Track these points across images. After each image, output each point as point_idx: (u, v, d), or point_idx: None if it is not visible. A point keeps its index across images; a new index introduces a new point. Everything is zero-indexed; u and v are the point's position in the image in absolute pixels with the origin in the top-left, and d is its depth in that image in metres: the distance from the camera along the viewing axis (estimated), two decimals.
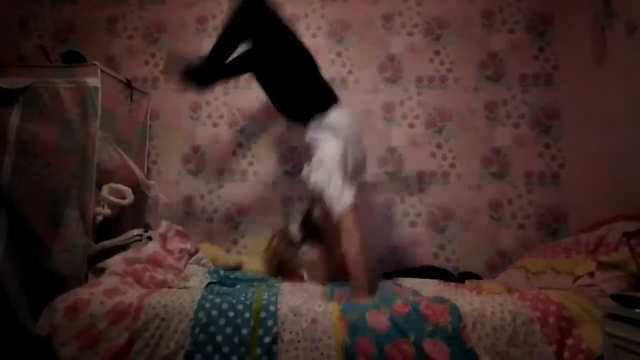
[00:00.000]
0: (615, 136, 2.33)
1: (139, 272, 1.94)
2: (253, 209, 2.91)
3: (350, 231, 1.95)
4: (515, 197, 2.81)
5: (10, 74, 2.38)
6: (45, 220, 2.21)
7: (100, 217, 2.31)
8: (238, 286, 2.04)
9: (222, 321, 1.60)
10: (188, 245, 2.24)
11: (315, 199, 2.20)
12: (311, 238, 2.43)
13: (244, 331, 1.58)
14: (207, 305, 1.64)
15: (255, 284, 2.10)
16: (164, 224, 2.31)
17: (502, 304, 1.61)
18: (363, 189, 2.19)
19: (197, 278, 2.04)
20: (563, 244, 2.05)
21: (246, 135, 2.98)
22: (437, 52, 2.97)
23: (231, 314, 1.61)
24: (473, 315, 1.57)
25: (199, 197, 2.94)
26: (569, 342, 1.53)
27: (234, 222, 2.91)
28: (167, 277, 1.97)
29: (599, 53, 2.44)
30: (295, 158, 2.94)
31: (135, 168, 2.57)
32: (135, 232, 2.35)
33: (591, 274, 1.70)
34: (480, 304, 1.62)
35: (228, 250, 2.85)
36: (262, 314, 1.61)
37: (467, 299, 1.68)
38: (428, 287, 2.11)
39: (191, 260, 2.22)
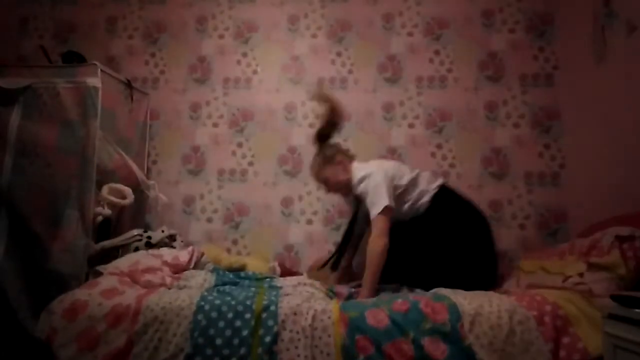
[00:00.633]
0: (615, 136, 2.33)
1: (137, 274, 1.94)
2: (253, 209, 2.91)
3: (381, 232, 2.05)
4: (515, 197, 2.81)
5: (10, 74, 2.38)
6: (45, 220, 2.21)
7: (100, 217, 2.31)
8: (240, 282, 2.04)
9: (221, 323, 1.59)
10: (187, 257, 2.24)
11: (360, 205, 2.28)
12: (351, 246, 2.47)
13: (244, 332, 1.58)
14: (207, 307, 1.63)
15: (256, 283, 2.10)
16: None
17: (499, 303, 1.63)
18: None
19: (199, 278, 2.03)
20: (559, 248, 2.08)
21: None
22: (437, 52, 2.97)
23: (230, 315, 1.61)
24: (471, 314, 1.59)
25: (199, 197, 2.94)
26: (565, 340, 1.54)
27: (234, 222, 2.91)
28: (166, 281, 1.97)
29: (599, 53, 2.44)
30: (295, 158, 2.94)
31: (135, 168, 2.57)
32: (135, 232, 2.36)
33: (581, 275, 1.73)
34: (478, 303, 1.63)
35: (228, 250, 2.85)
36: (263, 315, 1.62)
37: (465, 297, 1.69)
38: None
39: (192, 266, 2.23)
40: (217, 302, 1.66)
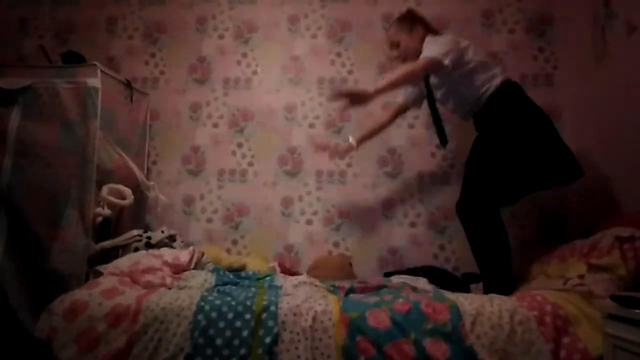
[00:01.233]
0: (615, 136, 2.33)
1: (137, 274, 1.94)
2: (253, 209, 2.91)
3: (417, 64, 2.13)
4: None
5: (10, 74, 2.37)
6: (45, 221, 2.21)
7: (100, 218, 2.31)
8: (240, 282, 2.04)
9: (221, 324, 1.59)
10: (187, 258, 2.24)
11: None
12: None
13: (245, 333, 1.58)
14: (207, 307, 1.63)
15: (257, 283, 2.09)
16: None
17: (500, 303, 1.63)
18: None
19: (199, 278, 2.03)
20: (559, 250, 2.07)
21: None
22: None
23: (230, 315, 1.61)
24: (472, 314, 1.58)
25: (199, 197, 2.94)
26: (566, 340, 1.54)
27: (234, 222, 2.91)
28: (166, 281, 1.97)
29: (599, 53, 2.44)
30: (295, 158, 2.94)
31: (135, 168, 2.57)
32: (135, 232, 2.35)
33: (581, 276, 1.73)
34: (479, 303, 1.63)
35: (228, 251, 2.85)
36: (264, 315, 1.61)
37: (466, 298, 1.69)
38: (420, 285, 2.12)
39: (192, 266, 2.23)
40: (217, 302, 1.66)
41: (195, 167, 2.97)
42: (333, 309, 1.63)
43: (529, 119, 2.13)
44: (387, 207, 2.86)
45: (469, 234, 2.12)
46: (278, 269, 2.51)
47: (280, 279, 2.10)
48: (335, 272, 2.49)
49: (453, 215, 2.80)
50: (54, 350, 1.58)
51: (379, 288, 2.02)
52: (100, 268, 2.01)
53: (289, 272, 2.51)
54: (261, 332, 1.58)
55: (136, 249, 2.27)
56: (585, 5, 2.57)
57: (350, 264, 2.66)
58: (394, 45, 2.41)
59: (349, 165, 2.91)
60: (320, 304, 1.65)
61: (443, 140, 2.48)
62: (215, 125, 3.01)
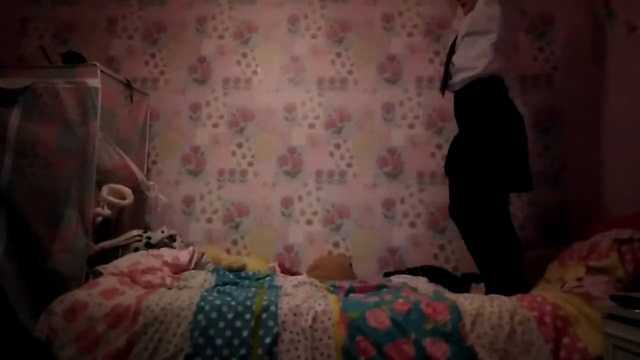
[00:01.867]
0: (615, 136, 2.33)
1: (136, 274, 1.94)
2: (253, 209, 2.91)
3: None
4: (515, 197, 2.81)
5: (10, 74, 2.38)
6: (45, 221, 2.21)
7: (100, 218, 2.31)
8: (240, 282, 2.04)
9: (221, 324, 1.59)
10: (187, 258, 2.24)
11: None
12: None
13: (244, 333, 1.58)
14: (207, 307, 1.63)
15: (256, 283, 2.09)
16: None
17: (500, 303, 1.63)
18: None
19: (199, 279, 2.03)
20: (560, 253, 2.08)
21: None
22: (437, 53, 2.97)
23: (230, 315, 1.61)
24: (472, 314, 1.58)
25: (199, 197, 2.94)
26: (565, 340, 1.54)
27: (234, 222, 2.91)
28: (166, 281, 1.97)
29: (599, 53, 2.44)
30: (295, 158, 2.94)
31: (135, 168, 2.56)
32: (135, 232, 2.35)
33: (580, 279, 1.74)
34: (479, 303, 1.63)
35: (228, 251, 2.85)
36: (263, 315, 1.61)
37: (466, 298, 1.69)
38: (420, 285, 2.13)
39: (192, 266, 2.23)
40: (217, 302, 1.66)
41: (195, 167, 2.97)
42: (333, 309, 1.63)
43: (506, 122, 2.08)
44: (387, 207, 2.86)
45: (470, 236, 2.11)
46: (278, 269, 2.51)
47: (280, 279, 2.10)
48: (335, 272, 2.49)
49: None
50: (54, 351, 1.58)
51: (379, 288, 2.02)
52: (100, 268, 2.01)
53: (289, 272, 2.51)
54: (261, 332, 1.58)
55: (136, 249, 2.27)
56: (585, 5, 2.57)
57: (350, 264, 2.66)
58: None
59: (349, 165, 2.91)
60: (320, 304, 1.65)
61: (442, 89, 2.36)
62: (215, 125, 3.00)
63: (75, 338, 1.59)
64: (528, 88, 2.89)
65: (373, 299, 1.74)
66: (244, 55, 3.05)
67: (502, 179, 2.02)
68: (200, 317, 1.60)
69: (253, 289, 1.86)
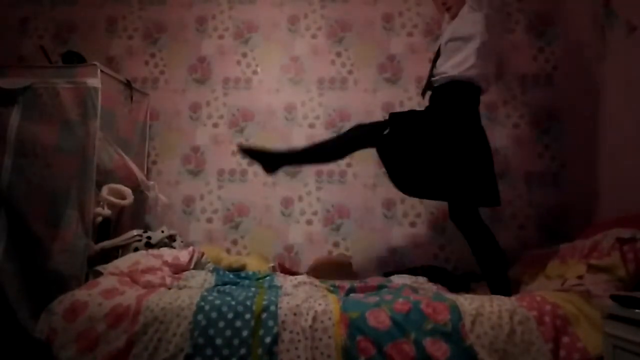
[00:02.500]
0: (615, 136, 2.33)
1: (137, 274, 1.94)
2: (253, 209, 2.91)
3: None
4: (516, 197, 2.81)
5: (10, 74, 2.37)
6: (45, 221, 2.21)
7: (100, 218, 2.31)
8: (240, 282, 2.04)
9: (221, 324, 1.59)
10: (187, 258, 2.24)
11: None
12: None
13: (245, 333, 1.58)
14: (207, 307, 1.63)
15: (257, 283, 2.10)
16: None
17: (500, 303, 1.63)
18: None
19: (199, 279, 2.03)
20: (561, 251, 2.07)
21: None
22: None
23: (230, 315, 1.61)
24: (472, 314, 1.58)
25: (199, 197, 2.94)
26: (565, 340, 1.54)
27: (234, 222, 2.91)
28: (166, 281, 1.97)
29: (599, 53, 2.44)
30: None
31: (135, 168, 2.57)
32: (135, 232, 2.36)
33: (580, 277, 1.73)
34: (479, 303, 1.63)
35: (228, 251, 2.85)
36: (263, 315, 1.61)
37: (466, 298, 1.69)
38: (420, 284, 2.13)
39: (192, 266, 2.23)
40: (217, 302, 1.66)
41: (195, 167, 2.97)
42: (333, 309, 1.63)
43: (471, 132, 2.08)
44: (387, 207, 2.86)
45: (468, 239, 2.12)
46: (278, 269, 2.51)
47: (280, 279, 2.10)
48: (335, 272, 2.49)
49: None
50: (54, 351, 1.58)
51: (379, 288, 2.02)
52: (100, 268, 2.01)
53: (289, 272, 2.51)
54: (261, 332, 1.58)
55: (136, 249, 2.28)
56: (585, 5, 2.57)
57: (350, 264, 2.66)
58: None
59: (349, 165, 2.91)
60: (320, 304, 1.65)
61: (423, 92, 2.36)
62: (215, 125, 3.01)
63: (75, 338, 1.59)
64: (528, 88, 2.89)
65: (373, 299, 1.74)
66: (244, 55, 3.06)
67: (465, 191, 2.04)
68: (200, 317, 1.60)
69: (253, 289, 1.86)
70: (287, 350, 1.55)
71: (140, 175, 2.60)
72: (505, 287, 1.95)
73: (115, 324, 1.60)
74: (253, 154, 2.20)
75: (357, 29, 3.02)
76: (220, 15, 3.09)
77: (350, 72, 2.99)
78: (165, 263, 2.12)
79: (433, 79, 2.20)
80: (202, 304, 1.65)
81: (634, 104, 2.17)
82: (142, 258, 2.09)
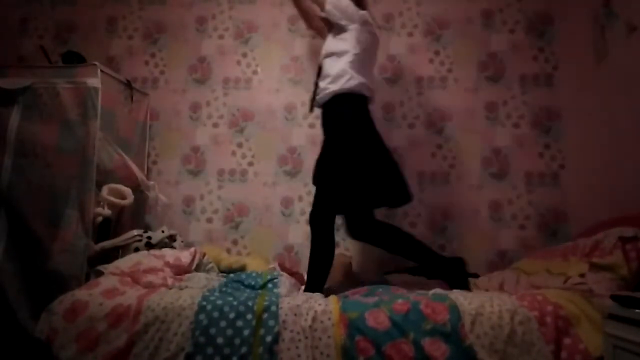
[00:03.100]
0: (615, 136, 2.33)
1: (138, 275, 1.94)
2: (253, 209, 2.91)
3: None
4: (515, 197, 2.81)
5: (10, 74, 2.38)
6: (45, 221, 2.21)
7: (100, 218, 2.31)
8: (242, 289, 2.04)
9: (223, 323, 1.59)
10: (189, 259, 2.24)
11: None
12: None
13: (246, 332, 1.58)
14: (209, 307, 1.63)
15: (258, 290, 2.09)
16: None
17: (500, 303, 1.62)
18: None
19: (201, 283, 2.03)
20: (562, 248, 2.07)
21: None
22: (437, 53, 2.97)
23: (232, 315, 1.61)
24: (472, 314, 1.58)
25: (199, 197, 2.94)
26: (567, 341, 1.53)
27: (234, 222, 2.91)
28: (167, 282, 1.96)
29: (599, 53, 2.44)
30: (295, 158, 2.94)
31: (135, 168, 2.57)
32: (135, 232, 2.36)
33: (582, 275, 1.72)
34: (479, 303, 1.62)
35: (228, 251, 2.85)
36: (264, 315, 1.62)
37: (466, 297, 1.68)
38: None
39: (193, 267, 2.23)
40: (219, 302, 1.66)
41: (195, 167, 2.97)
42: (333, 309, 1.63)
43: (359, 137, 2.17)
44: (387, 207, 2.86)
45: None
46: (278, 269, 2.51)
47: (282, 281, 2.09)
48: (335, 272, 2.48)
49: (453, 215, 2.82)
50: (54, 350, 1.58)
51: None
52: (102, 268, 2.01)
53: (289, 272, 2.50)
54: (262, 332, 1.58)
55: (136, 249, 2.28)
56: (585, 5, 2.57)
57: (351, 264, 2.66)
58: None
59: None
60: (320, 304, 1.65)
61: (310, 108, 2.48)
62: (215, 125, 3.01)
63: (75, 338, 1.59)
64: (528, 88, 2.90)
65: (372, 299, 1.74)
66: (244, 55, 3.06)
67: (349, 194, 2.13)
68: (202, 316, 1.61)
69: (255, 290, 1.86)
70: (288, 349, 1.55)
71: (140, 175, 2.60)
72: (320, 286, 2.07)
73: (116, 323, 1.60)
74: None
75: None
76: (220, 15, 3.09)
77: None
78: (167, 264, 2.11)
79: (318, 97, 2.31)
80: (204, 303, 1.65)
81: (634, 104, 2.17)
82: (144, 258, 2.09)
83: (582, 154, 2.65)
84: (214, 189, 2.94)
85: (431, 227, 2.83)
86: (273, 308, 1.63)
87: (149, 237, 2.35)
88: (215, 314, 1.61)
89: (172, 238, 2.47)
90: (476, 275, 2.49)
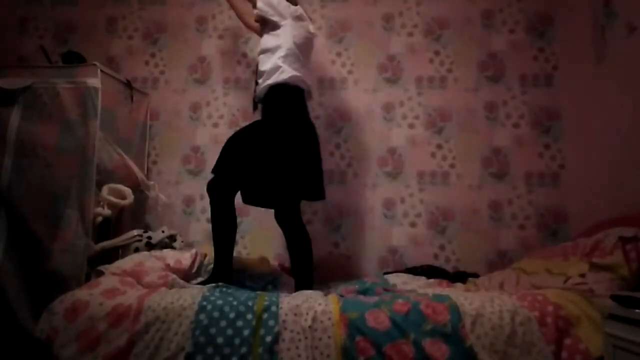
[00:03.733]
0: (615, 136, 2.33)
1: (139, 273, 1.94)
2: (253, 210, 2.91)
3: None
4: (515, 197, 2.81)
5: (10, 74, 2.38)
6: (45, 221, 2.21)
7: (100, 218, 2.31)
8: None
9: (223, 323, 1.59)
10: (189, 261, 2.24)
11: None
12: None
13: (246, 332, 1.58)
14: (209, 307, 1.63)
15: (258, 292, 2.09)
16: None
17: (500, 303, 1.62)
18: None
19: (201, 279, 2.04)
20: (562, 247, 2.07)
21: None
22: (437, 53, 2.97)
23: (232, 315, 1.61)
24: (472, 314, 1.57)
25: (199, 197, 2.94)
26: (567, 342, 1.53)
27: None
28: (168, 280, 1.96)
29: (599, 53, 2.44)
30: None
31: (135, 168, 2.57)
32: (135, 232, 2.36)
33: (583, 275, 1.73)
34: (479, 303, 1.62)
35: None
36: (265, 315, 1.62)
37: (466, 298, 1.68)
38: (418, 283, 2.15)
39: (194, 270, 2.23)
40: (220, 302, 1.66)
41: (195, 167, 2.97)
42: (333, 309, 1.62)
43: (292, 129, 2.20)
44: (387, 207, 2.87)
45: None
46: (278, 269, 2.51)
47: (282, 287, 2.10)
48: (335, 272, 2.49)
49: (453, 215, 2.82)
50: (55, 350, 1.58)
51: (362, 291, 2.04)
52: (102, 268, 2.01)
53: (289, 272, 2.51)
54: (262, 332, 1.58)
55: (136, 249, 2.27)
56: (585, 5, 2.57)
57: (351, 264, 2.66)
58: None
59: (349, 165, 2.91)
60: (320, 304, 1.65)
61: (253, 106, 2.53)
62: (215, 125, 3.01)
63: (75, 337, 1.58)
64: (528, 88, 2.90)
65: (372, 299, 1.74)
66: (244, 55, 3.05)
67: (282, 185, 2.17)
68: (202, 316, 1.61)
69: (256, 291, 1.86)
70: (288, 349, 1.55)
71: (140, 175, 2.60)
72: (308, 283, 2.11)
73: (117, 323, 1.60)
74: None
75: (357, 29, 3.02)
76: (220, 15, 3.09)
77: (350, 72, 2.99)
78: (168, 266, 2.11)
79: (255, 95, 2.37)
80: (204, 303, 1.65)
81: (634, 104, 2.17)
82: (145, 259, 2.08)
83: (582, 154, 2.65)
84: None
85: (431, 227, 2.83)
86: (273, 308, 1.63)
87: (149, 237, 2.35)
88: (216, 314, 1.61)
89: (172, 238, 2.47)
90: (476, 275, 2.49)
